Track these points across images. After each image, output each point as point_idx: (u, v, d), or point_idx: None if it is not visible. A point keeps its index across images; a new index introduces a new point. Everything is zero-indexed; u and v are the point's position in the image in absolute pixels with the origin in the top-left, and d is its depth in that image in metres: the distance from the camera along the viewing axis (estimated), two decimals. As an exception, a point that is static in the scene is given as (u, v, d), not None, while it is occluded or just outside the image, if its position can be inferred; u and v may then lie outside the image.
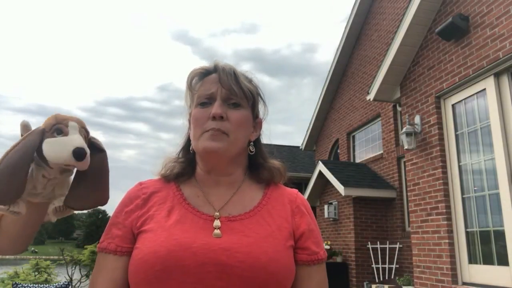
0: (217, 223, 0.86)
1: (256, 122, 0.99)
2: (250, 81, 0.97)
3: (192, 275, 0.78)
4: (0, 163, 0.74)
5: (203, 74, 0.96)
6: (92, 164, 0.84)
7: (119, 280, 0.85)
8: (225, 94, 0.91)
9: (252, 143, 0.97)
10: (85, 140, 0.84)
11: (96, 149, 0.89)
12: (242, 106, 0.92)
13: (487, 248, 4.27)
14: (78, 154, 0.77)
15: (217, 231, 0.84)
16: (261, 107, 1.02)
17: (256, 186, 0.97)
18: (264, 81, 1.02)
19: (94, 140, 0.90)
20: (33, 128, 0.85)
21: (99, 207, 0.91)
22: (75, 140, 0.79)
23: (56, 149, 0.78)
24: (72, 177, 0.87)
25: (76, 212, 0.88)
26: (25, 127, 0.85)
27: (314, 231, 0.93)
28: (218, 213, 0.88)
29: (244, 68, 0.98)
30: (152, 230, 0.85)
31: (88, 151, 0.80)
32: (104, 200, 0.88)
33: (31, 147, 0.77)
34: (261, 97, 1.01)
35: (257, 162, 0.99)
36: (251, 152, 0.97)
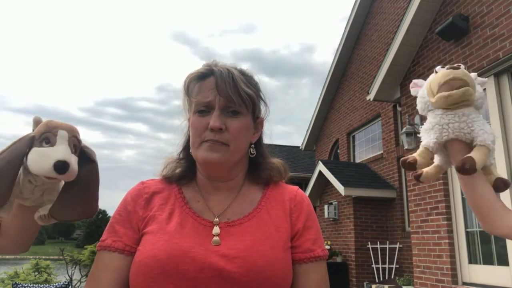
0: (216, 230, 0.85)
1: (257, 122, 0.97)
2: (250, 81, 0.94)
3: (190, 280, 0.78)
4: None
5: (199, 77, 0.92)
6: (81, 175, 0.82)
7: (123, 280, 0.84)
8: (223, 103, 0.88)
9: (253, 145, 0.96)
10: (75, 150, 0.82)
11: (87, 159, 0.87)
12: (242, 113, 0.89)
13: (487, 248, 4.27)
14: (59, 167, 0.76)
15: (216, 238, 0.84)
16: (262, 106, 0.99)
17: (255, 187, 0.96)
18: (262, 81, 0.99)
19: (86, 150, 0.87)
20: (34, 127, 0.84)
21: (97, 209, 0.89)
22: (58, 152, 0.77)
23: (39, 160, 0.76)
24: (62, 183, 0.85)
25: None
26: (37, 122, 0.84)
27: (310, 228, 0.91)
28: (217, 219, 0.88)
29: (235, 65, 0.94)
30: (153, 232, 0.85)
31: (72, 163, 0.78)
32: (91, 213, 0.86)
33: (17, 154, 0.76)
34: (261, 97, 0.98)
35: (257, 162, 0.97)
36: (252, 154, 0.95)
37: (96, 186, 0.87)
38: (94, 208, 0.87)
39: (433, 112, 0.93)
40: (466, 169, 0.83)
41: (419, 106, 0.99)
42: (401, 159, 0.91)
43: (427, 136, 0.93)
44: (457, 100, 0.89)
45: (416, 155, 0.91)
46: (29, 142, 0.78)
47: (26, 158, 0.78)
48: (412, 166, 0.89)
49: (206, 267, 0.78)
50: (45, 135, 0.79)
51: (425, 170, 0.99)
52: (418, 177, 1.00)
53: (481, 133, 0.87)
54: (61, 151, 0.78)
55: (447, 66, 0.92)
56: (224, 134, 0.87)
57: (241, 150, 0.90)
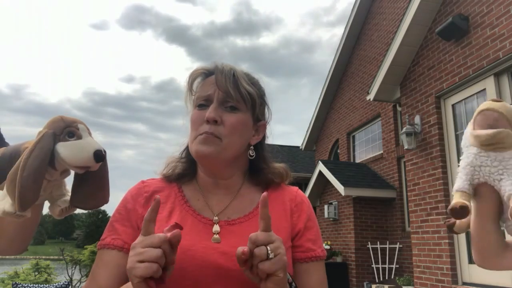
0: (216, 228, 0.86)
1: (258, 125, 0.96)
2: (252, 82, 0.94)
3: (190, 278, 0.78)
4: (23, 170, 0.74)
5: (204, 75, 0.94)
6: None
7: (122, 277, 0.84)
8: (222, 97, 0.88)
9: (252, 147, 0.95)
10: None
11: None
12: (240, 109, 0.90)
13: (487, 248, 4.27)
14: (99, 156, 0.79)
15: (216, 236, 0.84)
16: (265, 110, 0.99)
17: (255, 188, 0.96)
18: (262, 81, 0.99)
19: None
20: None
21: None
22: (94, 142, 0.80)
23: (76, 152, 0.78)
24: (72, 178, 0.87)
25: (75, 211, 0.89)
26: None
27: (311, 229, 0.92)
28: (217, 218, 0.88)
29: (242, 68, 0.95)
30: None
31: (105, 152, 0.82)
32: (107, 200, 0.88)
33: (47, 152, 0.78)
34: (265, 101, 0.98)
35: (259, 167, 0.96)
36: (251, 156, 0.95)
37: (108, 174, 0.90)
38: (108, 195, 0.90)
39: (468, 150, 0.86)
40: None
41: (462, 141, 0.90)
42: (450, 207, 0.83)
43: (461, 175, 0.87)
44: (486, 142, 0.80)
45: (461, 200, 0.84)
46: (53, 139, 0.80)
47: (53, 154, 0.80)
48: (465, 211, 0.81)
49: (206, 265, 0.79)
50: (68, 129, 0.81)
51: (457, 221, 0.93)
52: (451, 227, 0.94)
53: (508, 185, 0.78)
54: (94, 141, 0.81)
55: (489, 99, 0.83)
56: (219, 127, 0.87)
57: (234, 147, 0.89)
